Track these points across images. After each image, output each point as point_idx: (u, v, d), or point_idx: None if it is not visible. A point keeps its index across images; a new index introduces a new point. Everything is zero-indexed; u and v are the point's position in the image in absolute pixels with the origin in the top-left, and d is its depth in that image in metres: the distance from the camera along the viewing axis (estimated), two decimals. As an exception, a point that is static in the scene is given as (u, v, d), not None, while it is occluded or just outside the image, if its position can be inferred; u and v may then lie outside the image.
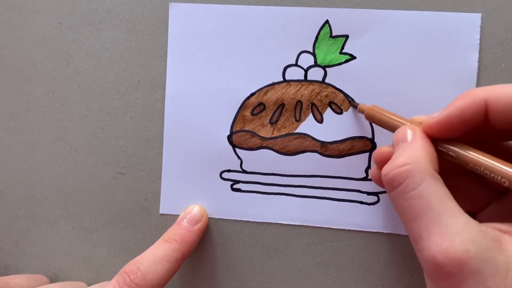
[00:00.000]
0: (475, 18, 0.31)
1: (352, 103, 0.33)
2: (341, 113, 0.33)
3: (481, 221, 0.28)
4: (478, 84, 0.31)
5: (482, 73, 0.32)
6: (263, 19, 0.33)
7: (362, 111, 0.31)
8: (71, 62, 0.36)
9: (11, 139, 0.36)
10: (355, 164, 0.33)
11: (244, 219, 0.34)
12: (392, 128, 0.28)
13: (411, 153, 0.24)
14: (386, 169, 0.25)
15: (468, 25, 0.31)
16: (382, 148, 0.29)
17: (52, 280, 0.36)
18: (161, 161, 0.35)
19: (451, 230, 0.22)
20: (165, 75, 0.35)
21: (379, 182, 0.29)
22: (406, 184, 0.23)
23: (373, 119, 0.30)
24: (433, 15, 0.32)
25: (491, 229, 0.22)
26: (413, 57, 0.32)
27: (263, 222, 0.34)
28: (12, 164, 0.37)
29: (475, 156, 0.24)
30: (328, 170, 0.33)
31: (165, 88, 0.35)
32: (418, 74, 0.32)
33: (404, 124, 0.27)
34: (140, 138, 0.35)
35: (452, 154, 0.25)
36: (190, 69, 0.34)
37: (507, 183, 0.23)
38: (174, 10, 0.34)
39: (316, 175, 0.33)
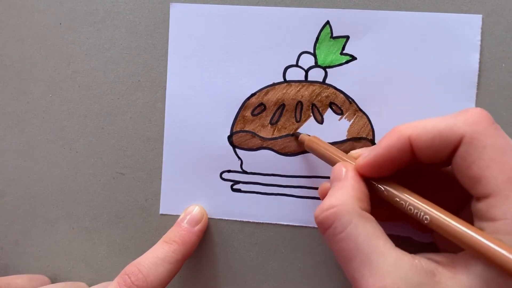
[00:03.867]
0: (476, 19, 0.31)
1: (294, 133, 0.33)
2: (341, 114, 0.33)
3: (436, 240, 0.29)
4: (479, 85, 0.31)
5: (483, 74, 0.32)
6: (263, 20, 0.33)
7: (302, 141, 0.32)
8: (71, 62, 0.36)
9: (11, 139, 0.36)
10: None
11: (244, 220, 0.34)
12: (329, 161, 0.29)
13: (339, 195, 0.25)
14: (316, 212, 0.25)
15: (468, 26, 0.31)
16: (325, 184, 0.30)
17: (52, 280, 0.36)
18: (161, 161, 0.35)
19: (381, 269, 0.22)
20: (165, 75, 0.35)
21: None
22: (334, 227, 0.24)
23: (312, 150, 0.31)
24: (433, 16, 0.32)
25: (425, 261, 0.23)
26: (414, 58, 0.32)
27: (263, 223, 0.34)
28: (12, 164, 0.37)
29: (401, 194, 0.25)
30: (329, 171, 0.33)
31: (165, 88, 0.35)
32: (419, 75, 0.32)
33: (339, 160, 0.28)
34: (140, 138, 0.35)
35: (384, 192, 0.26)
36: (190, 69, 0.34)
37: (428, 219, 0.23)
38: (175, 10, 0.34)
39: (316, 175, 0.33)
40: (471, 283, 0.21)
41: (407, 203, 0.24)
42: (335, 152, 0.29)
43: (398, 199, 0.25)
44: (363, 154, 0.26)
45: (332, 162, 0.29)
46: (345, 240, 0.23)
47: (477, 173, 0.22)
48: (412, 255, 0.23)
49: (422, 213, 0.23)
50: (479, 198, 0.23)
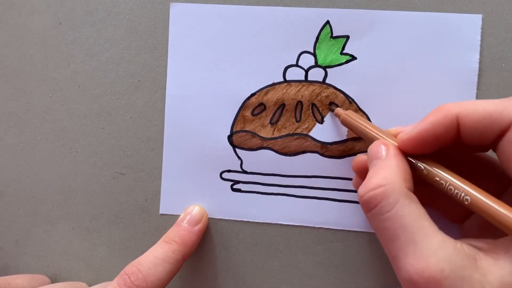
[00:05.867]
0: (476, 19, 0.31)
1: (330, 106, 0.33)
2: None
3: (464, 231, 0.29)
4: (479, 85, 0.32)
5: (482, 73, 0.32)
6: (263, 20, 0.33)
7: (338, 116, 0.32)
8: (71, 62, 0.36)
9: (11, 139, 0.36)
10: (356, 164, 0.33)
11: (244, 219, 0.34)
12: (366, 137, 0.29)
13: (385, 174, 0.24)
14: (361, 190, 0.25)
15: (468, 26, 0.31)
16: (359, 156, 0.29)
17: (52, 280, 0.36)
18: (161, 161, 0.35)
19: (426, 250, 0.22)
20: (165, 75, 0.35)
21: None
22: (381, 206, 0.23)
23: (348, 125, 0.31)
24: (433, 16, 0.32)
25: (467, 246, 0.23)
26: (414, 57, 0.32)
27: (263, 222, 0.34)
28: (12, 164, 0.37)
29: (441, 173, 0.24)
30: (329, 171, 0.33)
31: (165, 88, 0.35)
32: (419, 75, 0.32)
33: (378, 136, 0.28)
34: (140, 138, 0.35)
35: (424, 170, 0.25)
36: (190, 69, 0.34)
37: (469, 200, 0.23)
38: (175, 10, 0.34)
39: (316, 175, 0.33)
40: None
41: (447, 183, 0.24)
42: (372, 129, 0.28)
43: (438, 179, 0.24)
44: (405, 130, 0.26)
45: (369, 139, 0.28)
46: (391, 220, 0.23)
47: None
48: (454, 239, 0.23)
49: (463, 194, 0.23)
50: None
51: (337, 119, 0.32)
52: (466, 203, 0.23)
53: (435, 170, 0.25)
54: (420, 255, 0.22)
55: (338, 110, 0.32)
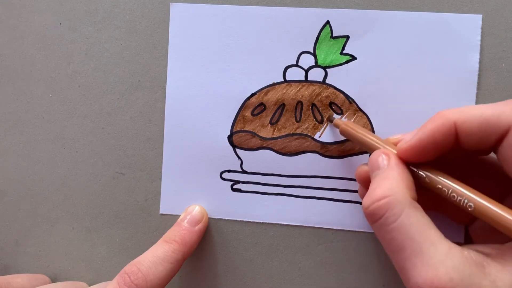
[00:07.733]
0: (476, 19, 0.31)
1: (329, 117, 0.33)
2: (341, 113, 0.33)
3: (473, 233, 0.29)
4: (479, 85, 0.31)
5: (482, 73, 0.32)
6: (263, 20, 0.33)
7: (337, 126, 0.31)
8: (71, 62, 0.36)
9: (11, 139, 0.36)
10: (356, 165, 0.33)
11: (244, 219, 0.34)
12: (367, 147, 0.29)
13: (388, 184, 0.24)
14: (366, 202, 0.25)
15: (468, 26, 0.31)
16: (362, 167, 0.29)
17: (52, 280, 0.36)
18: (161, 161, 0.35)
19: (434, 259, 0.22)
20: (165, 75, 0.35)
21: None
22: (386, 217, 0.23)
23: (348, 135, 0.30)
24: (433, 16, 0.32)
25: (474, 253, 0.23)
26: (414, 58, 0.32)
27: (263, 222, 0.34)
28: (12, 164, 0.37)
29: (443, 181, 0.24)
30: (328, 171, 0.33)
31: (165, 88, 0.35)
32: (419, 75, 0.32)
33: (379, 146, 0.27)
34: (140, 138, 0.35)
35: (425, 178, 0.25)
36: (190, 69, 0.34)
37: (472, 206, 0.23)
38: (175, 10, 0.34)
39: (316, 175, 0.33)
40: None
41: (450, 190, 0.24)
42: (373, 138, 0.28)
43: (440, 186, 0.24)
44: (405, 139, 0.26)
45: (369, 148, 0.28)
46: (397, 230, 0.23)
47: None
48: (461, 247, 0.23)
49: (466, 200, 0.23)
50: None
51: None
52: (469, 209, 0.23)
53: (437, 177, 0.25)
54: (428, 265, 0.22)
55: (337, 120, 0.32)
